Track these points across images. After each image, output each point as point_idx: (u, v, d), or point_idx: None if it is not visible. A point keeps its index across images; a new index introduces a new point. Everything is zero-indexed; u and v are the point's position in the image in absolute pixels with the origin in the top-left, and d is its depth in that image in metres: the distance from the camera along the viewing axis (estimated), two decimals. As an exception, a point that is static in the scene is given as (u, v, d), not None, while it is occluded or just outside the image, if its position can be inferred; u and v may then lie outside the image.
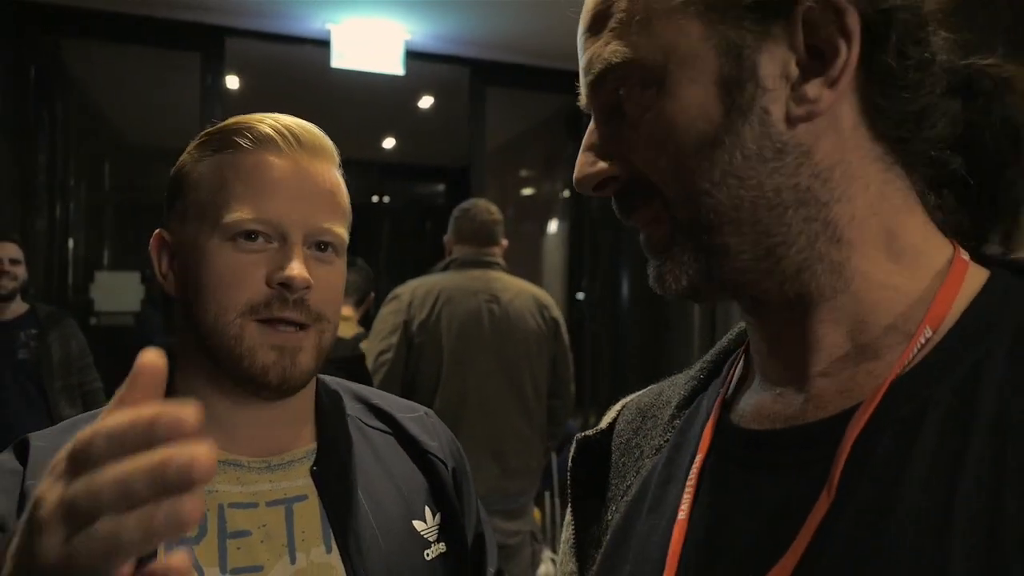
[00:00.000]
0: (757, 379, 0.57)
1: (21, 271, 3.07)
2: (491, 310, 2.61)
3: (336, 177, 0.84)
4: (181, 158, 0.84)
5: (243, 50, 4.32)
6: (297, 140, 0.80)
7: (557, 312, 2.80)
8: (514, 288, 2.70)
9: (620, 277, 4.91)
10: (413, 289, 2.62)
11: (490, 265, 2.69)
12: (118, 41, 4.16)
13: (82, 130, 4.89)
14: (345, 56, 4.09)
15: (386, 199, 7.86)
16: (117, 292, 4.27)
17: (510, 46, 4.38)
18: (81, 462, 0.39)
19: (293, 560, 0.79)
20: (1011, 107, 0.52)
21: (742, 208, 0.49)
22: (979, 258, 0.53)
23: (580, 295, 5.47)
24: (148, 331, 4.42)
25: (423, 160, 7.35)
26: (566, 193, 6.07)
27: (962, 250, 0.53)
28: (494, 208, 2.76)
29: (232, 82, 5.03)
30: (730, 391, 0.60)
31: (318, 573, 0.79)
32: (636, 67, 0.50)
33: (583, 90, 0.55)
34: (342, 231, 0.83)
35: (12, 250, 3.06)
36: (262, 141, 0.79)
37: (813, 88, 0.48)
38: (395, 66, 4.21)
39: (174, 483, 0.37)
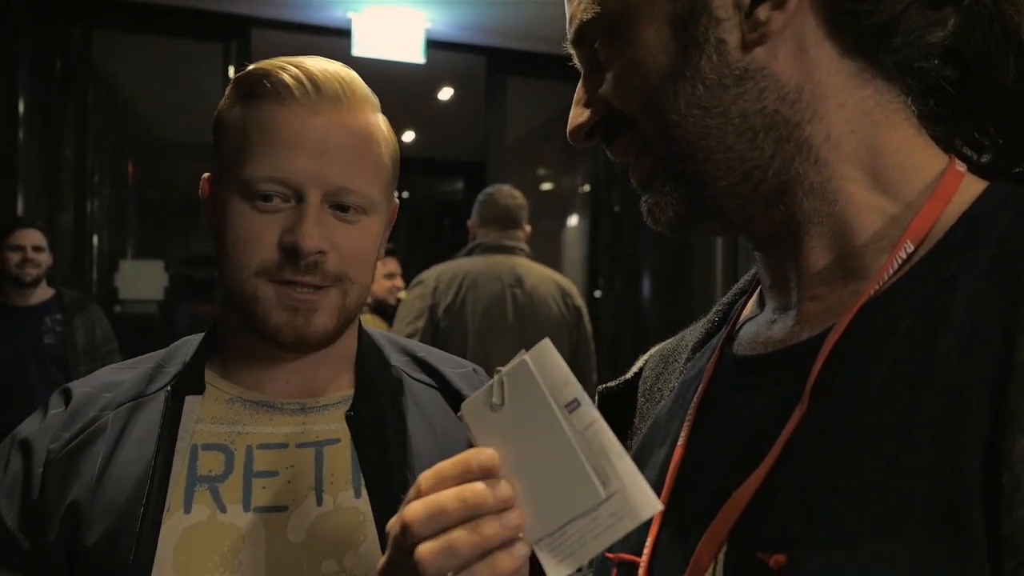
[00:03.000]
0: (760, 310, 0.59)
1: (45, 258, 3.10)
2: (515, 295, 2.61)
3: (367, 126, 0.78)
4: (220, 102, 0.82)
5: (265, 40, 4.32)
6: (317, 89, 0.75)
7: (580, 300, 2.79)
8: (537, 274, 2.70)
9: (641, 274, 4.85)
10: (438, 274, 2.63)
11: (513, 251, 2.70)
12: (141, 31, 4.19)
13: (107, 119, 4.93)
14: (365, 45, 4.09)
15: (404, 195, 7.86)
16: (141, 280, 4.29)
17: (533, 34, 4.35)
18: (411, 497, 0.51)
19: (319, 502, 0.77)
20: (1003, 5, 0.52)
21: (710, 135, 0.51)
22: (981, 170, 0.52)
23: (597, 293, 5.39)
24: (173, 320, 4.45)
25: (442, 154, 7.34)
26: (586, 188, 6.02)
27: (959, 162, 0.52)
28: (518, 193, 2.77)
29: (253, 74, 5.04)
30: (736, 326, 0.62)
31: (344, 517, 0.78)
32: (604, 19, 0.54)
33: (570, 50, 0.59)
34: (367, 187, 0.77)
35: (36, 237, 3.08)
36: (280, 92, 0.75)
37: (763, 11, 0.50)
38: (415, 55, 4.21)
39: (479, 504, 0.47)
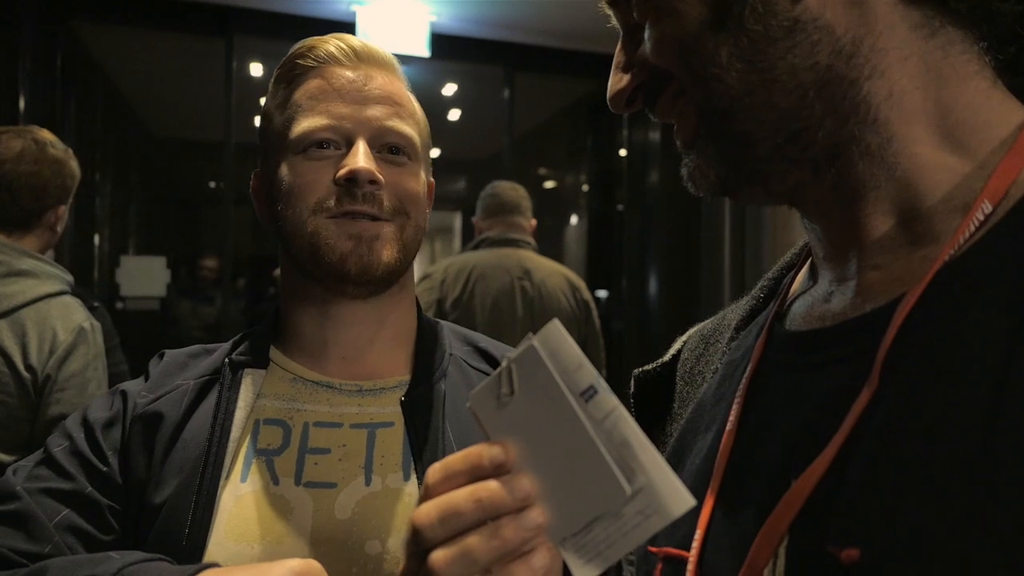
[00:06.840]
0: (813, 284, 0.55)
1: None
2: (523, 288, 2.58)
3: (401, 87, 0.86)
4: (264, 101, 0.88)
5: (268, 35, 4.29)
6: (356, 52, 0.84)
7: (588, 295, 2.77)
8: (546, 268, 2.67)
9: (648, 273, 4.79)
10: (446, 267, 2.61)
11: (520, 244, 2.68)
12: (142, 26, 4.15)
13: (108, 115, 4.89)
14: (370, 38, 4.04)
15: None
16: (143, 277, 4.27)
17: (538, 28, 4.31)
18: (422, 496, 0.48)
19: (368, 482, 0.78)
20: None
21: (755, 92, 0.47)
22: None
23: (602, 292, 5.31)
24: (175, 316, 4.41)
25: (451, 153, 7.31)
26: (585, 187, 5.97)
27: None
28: (519, 186, 2.77)
29: (256, 69, 5.01)
30: (787, 302, 0.57)
31: (392, 498, 0.78)
32: None
33: (607, 11, 0.57)
34: (411, 132, 0.83)
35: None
36: (325, 58, 0.83)
37: None
38: (420, 48, 4.16)
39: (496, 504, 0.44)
